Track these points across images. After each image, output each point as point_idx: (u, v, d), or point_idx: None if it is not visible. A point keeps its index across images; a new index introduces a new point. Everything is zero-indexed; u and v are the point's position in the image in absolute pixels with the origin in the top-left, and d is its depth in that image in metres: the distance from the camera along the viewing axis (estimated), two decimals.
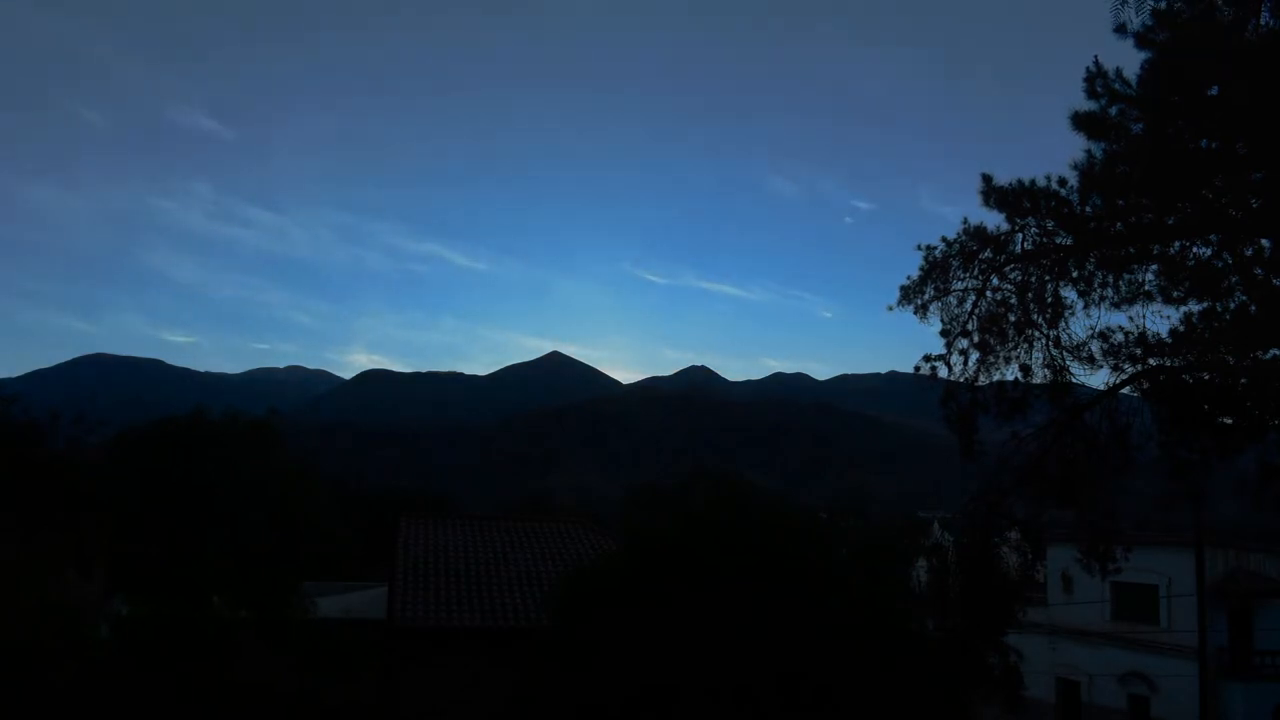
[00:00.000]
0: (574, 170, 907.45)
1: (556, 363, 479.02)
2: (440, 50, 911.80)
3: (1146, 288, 13.03)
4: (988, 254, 13.79)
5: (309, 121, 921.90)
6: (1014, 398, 13.91)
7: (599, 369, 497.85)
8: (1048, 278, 13.56)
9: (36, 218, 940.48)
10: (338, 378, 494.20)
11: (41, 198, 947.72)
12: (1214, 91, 11.84)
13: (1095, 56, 12.40)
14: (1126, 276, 13.13)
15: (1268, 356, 12.08)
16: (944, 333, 14.17)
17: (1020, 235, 13.54)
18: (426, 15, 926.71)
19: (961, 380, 14.18)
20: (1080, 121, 12.56)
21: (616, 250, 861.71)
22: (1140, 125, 12.28)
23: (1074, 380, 13.70)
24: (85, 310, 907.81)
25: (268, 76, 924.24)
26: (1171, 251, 12.82)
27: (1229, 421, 12.95)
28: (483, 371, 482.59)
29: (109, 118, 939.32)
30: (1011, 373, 13.93)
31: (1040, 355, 13.77)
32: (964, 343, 14.11)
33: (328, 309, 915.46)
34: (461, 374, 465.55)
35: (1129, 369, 13.17)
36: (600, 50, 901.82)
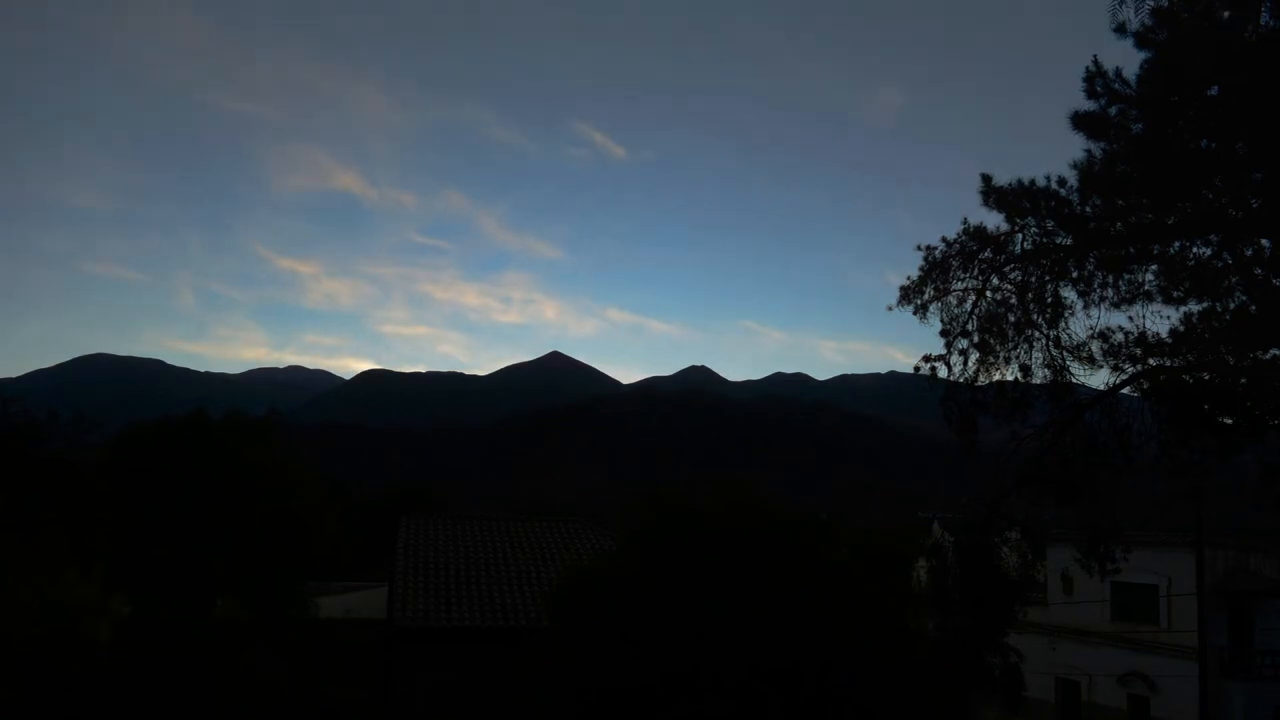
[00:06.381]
0: None
1: (556, 363, 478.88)
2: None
3: (1146, 288, 13.00)
4: (988, 254, 13.78)
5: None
6: (1014, 398, 13.90)
7: (599, 369, 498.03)
8: (1048, 278, 13.55)
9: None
10: (338, 378, 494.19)
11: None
12: (1214, 91, 11.83)
13: (1095, 56, 12.40)
14: (1126, 276, 13.10)
15: (1268, 356, 12.06)
16: (944, 333, 14.16)
17: (1020, 235, 13.53)
18: None
19: (961, 380, 14.17)
20: (1080, 121, 12.54)
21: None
22: (1140, 125, 12.26)
23: (1074, 380, 13.69)
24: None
25: None
26: (1171, 251, 12.79)
27: (1229, 421, 12.93)
28: (483, 371, 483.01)
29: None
30: (1011, 373, 13.92)
31: (1040, 355, 13.76)
32: (964, 343, 14.10)
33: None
34: (461, 374, 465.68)
35: (1129, 369, 13.16)
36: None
